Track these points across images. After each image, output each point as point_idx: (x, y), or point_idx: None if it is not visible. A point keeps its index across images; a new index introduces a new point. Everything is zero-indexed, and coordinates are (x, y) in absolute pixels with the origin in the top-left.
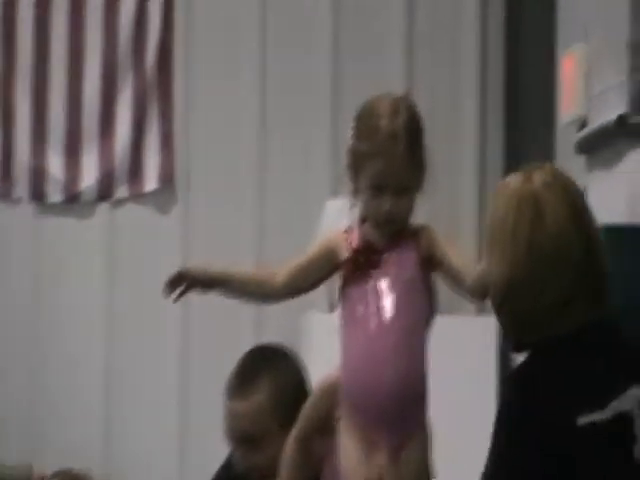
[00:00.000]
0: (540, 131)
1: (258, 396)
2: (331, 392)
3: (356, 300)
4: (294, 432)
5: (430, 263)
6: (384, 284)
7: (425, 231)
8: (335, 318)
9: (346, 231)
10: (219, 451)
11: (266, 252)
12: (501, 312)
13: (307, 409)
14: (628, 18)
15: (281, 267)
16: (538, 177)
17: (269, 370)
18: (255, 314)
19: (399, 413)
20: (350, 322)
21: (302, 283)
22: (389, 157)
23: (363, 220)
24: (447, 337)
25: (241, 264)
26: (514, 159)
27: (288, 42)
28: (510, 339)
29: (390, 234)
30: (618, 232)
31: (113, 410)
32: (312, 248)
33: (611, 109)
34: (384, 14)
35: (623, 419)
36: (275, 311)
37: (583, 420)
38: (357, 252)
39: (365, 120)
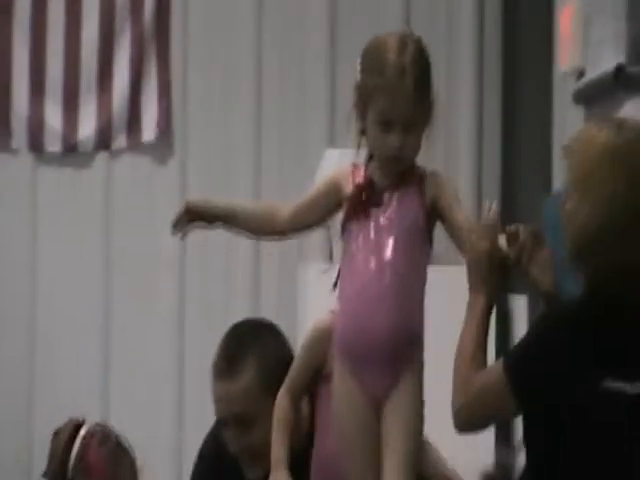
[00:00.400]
0: (538, 82)
1: (246, 375)
2: (322, 339)
3: (355, 237)
4: (285, 386)
5: (433, 211)
6: (384, 224)
7: (433, 177)
8: (333, 269)
9: (352, 167)
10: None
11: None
12: (584, 260)
13: (298, 360)
14: None
15: (286, 203)
16: (628, 131)
17: (254, 347)
18: (252, 265)
19: (390, 353)
20: (348, 259)
21: (307, 217)
22: (398, 91)
23: (370, 157)
24: (445, 287)
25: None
26: (512, 109)
27: None
28: (585, 284)
29: (396, 173)
30: None
31: (111, 360)
32: (318, 184)
33: (609, 59)
34: None
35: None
36: (272, 263)
37: (609, 384)
38: (359, 188)
39: (373, 55)
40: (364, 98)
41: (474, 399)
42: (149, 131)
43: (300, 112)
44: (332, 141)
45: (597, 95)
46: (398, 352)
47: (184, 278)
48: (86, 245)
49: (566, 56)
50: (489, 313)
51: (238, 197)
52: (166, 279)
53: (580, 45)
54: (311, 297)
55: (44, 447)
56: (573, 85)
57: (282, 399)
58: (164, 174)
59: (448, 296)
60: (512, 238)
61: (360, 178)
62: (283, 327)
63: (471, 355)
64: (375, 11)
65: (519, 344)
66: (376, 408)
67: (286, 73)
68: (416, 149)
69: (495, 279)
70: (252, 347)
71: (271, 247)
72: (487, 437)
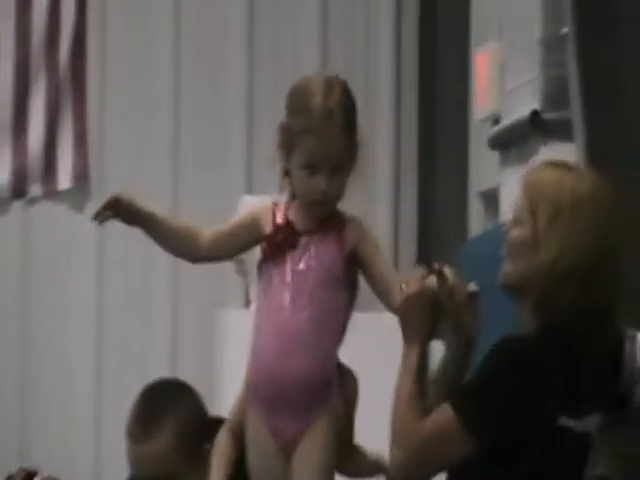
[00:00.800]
0: (455, 127)
1: (161, 438)
2: None
3: (271, 279)
4: (226, 422)
5: (354, 258)
6: (301, 268)
7: (354, 224)
8: (251, 315)
9: (273, 206)
10: None
11: None
12: (540, 297)
13: (240, 398)
14: (540, 15)
15: (206, 229)
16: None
17: (168, 409)
18: (170, 310)
19: (303, 398)
20: (263, 301)
21: (226, 246)
22: (325, 134)
23: (292, 198)
24: (372, 333)
25: (156, 261)
26: (429, 155)
27: (204, 34)
28: (547, 320)
29: (318, 217)
30: None
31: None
32: (239, 215)
33: (524, 105)
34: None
35: (587, 438)
36: (190, 306)
37: (563, 422)
38: (278, 229)
39: (299, 97)
40: (290, 140)
41: (423, 446)
42: (65, 179)
43: (218, 159)
44: (249, 188)
45: (513, 141)
46: (311, 396)
47: (102, 326)
48: (3, 293)
49: (482, 103)
50: (425, 361)
51: (155, 245)
52: (82, 328)
53: (496, 92)
54: (229, 343)
55: None
56: (489, 131)
57: (221, 435)
58: (81, 222)
59: (380, 342)
60: (440, 277)
61: (280, 219)
62: (201, 374)
63: (409, 405)
64: (292, 65)
65: (468, 384)
66: (288, 454)
67: (203, 120)
68: (341, 193)
69: (428, 323)
70: (166, 409)
71: (188, 292)
72: None
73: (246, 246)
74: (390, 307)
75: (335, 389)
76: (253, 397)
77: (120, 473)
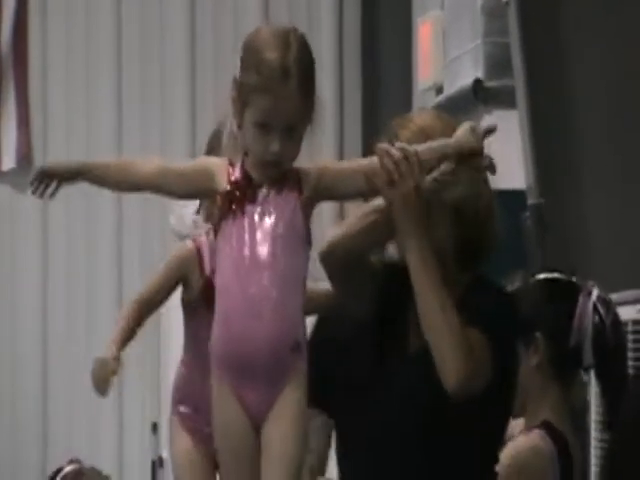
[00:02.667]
0: (398, 97)
1: None
2: (185, 258)
3: (229, 237)
4: (137, 295)
5: (317, 199)
6: (260, 223)
7: (309, 173)
8: None
9: (228, 162)
10: None
11: (125, 221)
12: None
13: (158, 275)
14: None
15: (145, 160)
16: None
17: None
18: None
19: (272, 364)
20: (221, 264)
21: (173, 182)
22: (279, 94)
23: (245, 154)
24: None
25: (100, 235)
26: (373, 129)
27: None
28: None
29: (273, 174)
30: None
31: None
32: (190, 163)
33: (467, 74)
34: None
35: None
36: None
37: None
38: (235, 184)
39: (253, 51)
40: (242, 96)
41: (476, 356)
42: (9, 159)
43: (161, 133)
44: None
45: (456, 109)
46: (280, 361)
47: (46, 307)
48: None
49: (425, 72)
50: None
51: (99, 222)
52: (26, 313)
53: (439, 61)
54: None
55: None
56: (433, 100)
57: (129, 306)
58: (25, 203)
59: None
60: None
61: (237, 174)
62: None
63: (452, 312)
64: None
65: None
66: (257, 424)
67: (146, 95)
68: (295, 154)
69: (423, 220)
70: None
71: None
72: None
73: (193, 193)
74: (372, 191)
75: (304, 352)
76: (219, 369)
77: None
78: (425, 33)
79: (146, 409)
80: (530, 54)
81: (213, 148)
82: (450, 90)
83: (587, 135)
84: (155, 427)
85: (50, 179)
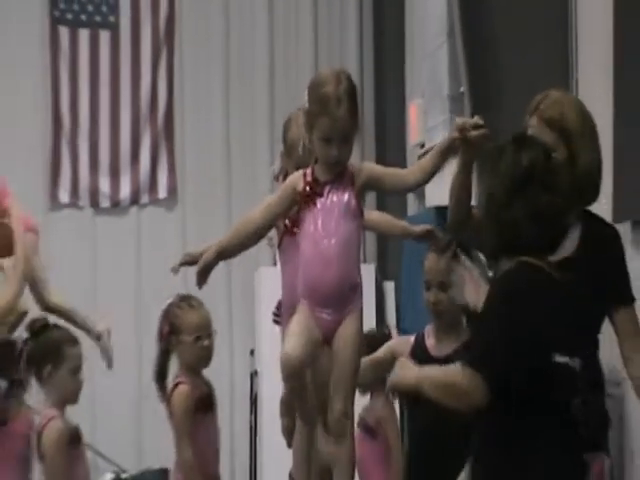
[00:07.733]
0: (398, 151)
1: None
2: (293, 188)
3: (308, 220)
4: (263, 204)
5: (367, 189)
6: (327, 208)
7: (361, 167)
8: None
9: (303, 171)
10: None
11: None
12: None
13: (276, 195)
14: (447, 79)
15: (250, 211)
16: None
17: None
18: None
19: (338, 298)
20: (304, 237)
21: (276, 212)
22: (335, 116)
23: (316, 161)
24: None
25: None
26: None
27: None
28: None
29: (335, 172)
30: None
31: None
32: (277, 191)
33: (439, 136)
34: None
35: (570, 371)
36: (232, 268)
37: (559, 359)
38: (308, 184)
39: (315, 88)
40: (310, 121)
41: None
42: (162, 190)
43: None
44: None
45: None
46: (343, 296)
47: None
48: (119, 274)
49: (414, 135)
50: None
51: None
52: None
53: (422, 128)
54: (265, 294)
55: None
56: (418, 152)
57: (256, 212)
58: (172, 219)
59: None
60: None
61: (309, 177)
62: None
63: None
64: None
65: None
66: (326, 338)
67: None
68: (348, 156)
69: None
70: None
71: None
72: None
73: (289, 203)
74: (408, 184)
75: (360, 292)
76: (303, 299)
77: None
78: (413, 111)
79: (247, 339)
80: None
81: (286, 130)
82: (429, 145)
83: None
84: (252, 352)
85: (206, 273)
